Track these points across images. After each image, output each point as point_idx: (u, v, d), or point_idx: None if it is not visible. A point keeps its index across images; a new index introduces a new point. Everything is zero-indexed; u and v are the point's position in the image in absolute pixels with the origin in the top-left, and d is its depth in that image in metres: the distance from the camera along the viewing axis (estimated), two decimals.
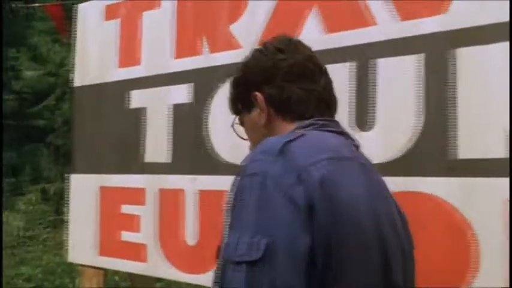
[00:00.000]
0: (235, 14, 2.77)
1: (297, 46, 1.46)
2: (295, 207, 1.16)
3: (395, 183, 1.73)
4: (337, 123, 1.44)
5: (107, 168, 3.30)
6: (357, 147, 1.41)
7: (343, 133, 1.41)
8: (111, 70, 3.38)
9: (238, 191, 1.22)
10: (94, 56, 3.50)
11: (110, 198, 3.27)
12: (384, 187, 1.37)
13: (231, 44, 2.77)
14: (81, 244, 3.42)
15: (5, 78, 11.64)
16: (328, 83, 1.46)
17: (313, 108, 1.41)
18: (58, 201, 8.72)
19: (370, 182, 1.30)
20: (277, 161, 1.20)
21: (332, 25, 2.43)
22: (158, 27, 3.14)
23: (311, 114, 1.40)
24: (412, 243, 1.40)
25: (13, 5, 11.60)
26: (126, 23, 3.33)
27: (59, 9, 7.23)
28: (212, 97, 2.84)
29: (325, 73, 1.47)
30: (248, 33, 2.70)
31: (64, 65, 10.70)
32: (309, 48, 1.48)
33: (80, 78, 3.54)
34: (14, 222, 6.94)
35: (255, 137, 1.47)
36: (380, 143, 2.22)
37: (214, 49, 2.85)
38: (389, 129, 2.22)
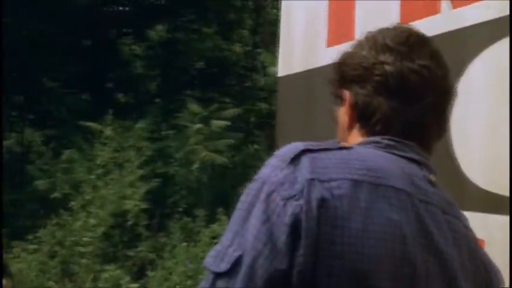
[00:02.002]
0: None
1: (414, 47, 1.22)
2: (281, 224, 1.03)
3: None
4: (414, 148, 1.19)
5: None
6: (431, 182, 1.16)
7: (417, 161, 1.18)
8: (318, 52, 2.64)
9: (242, 194, 1.11)
10: (299, 38, 2.80)
11: None
12: (458, 244, 1.13)
13: None
14: None
15: (254, 77, 11.76)
16: (440, 102, 1.22)
17: (399, 132, 1.19)
18: None
19: (423, 228, 1.09)
20: (285, 169, 1.08)
21: None
22: None
23: (393, 137, 1.19)
24: None
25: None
26: None
27: None
28: (458, 80, 1.92)
29: (441, 89, 1.22)
30: None
31: None
32: (431, 53, 1.22)
33: (285, 66, 2.93)
34: None
35: (339, 137, 1.28)
36: None
37: (459, 2, 2.05)
38: None
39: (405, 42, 1.21)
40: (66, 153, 8.23)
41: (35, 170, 8.44)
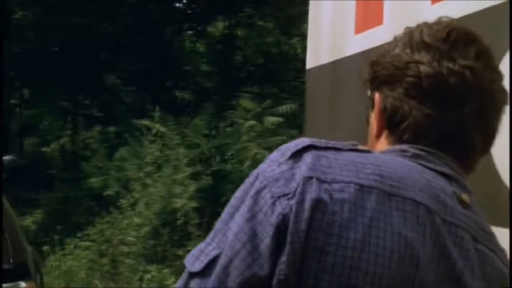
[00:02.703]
0: None
1: (456, 44, 1.05)
2: (266, 224, 0.93)
3: None
4: (447, 161, 1.03)
5: None
6: (463, 202, 1.00)
7: (447, 176, 1.02)
8: (346, 40, 2.41)
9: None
10: (326, 27, 2.60)
11: None
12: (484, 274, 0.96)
13: None
14: None
15: None
16: (485, 111, 1.05)
17: (431, 143, 1.04)
18: None
19: (443, 253, 0.93)
20: (283, 164, 0.97)
21: None
22: None
23: (423, 147, 1.05)
24: None
25: None
26: None
27: None
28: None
29: (487, 96, 1.05)
30: None
31: None
32: (477, 52, 1.05)
33: (313, 57, 2.74)
34: None
35: (369, 145, 1.12)
36: None
37: None
38: None
39: (446, 39, 1.06)
40: (120, 151, 8.27)
41: (91, 167, 8.52)
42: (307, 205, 0.92)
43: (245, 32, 12.38)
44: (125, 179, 7.42)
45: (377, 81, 1.12)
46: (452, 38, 1.06)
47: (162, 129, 7.64)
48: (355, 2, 2.40)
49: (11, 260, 3.19)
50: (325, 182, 0.94)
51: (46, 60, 10.84)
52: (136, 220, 6.39)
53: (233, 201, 0.99)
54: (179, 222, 6.68)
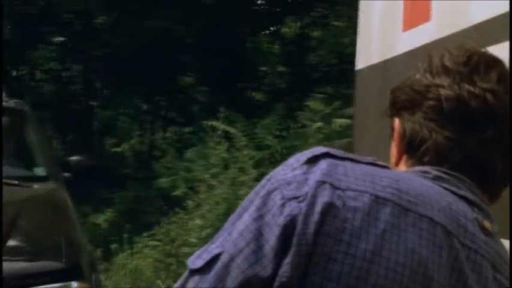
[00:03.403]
0: None
1: (477, 68, 1.04)
2: (273, 225, 0.91)
3: None
4: (471, 186, 1.00)
5: None
6: (485, 229, 0.97)
7: (470, 201, 0.99)
8: (395, 37, 2.32)
9: None
10: (376, 27, 2.51)
11: None
12: None
13: None
14: None
15: None
16: (506, 135, 1.01)
17: (451, 167, 1.01)
18: None
19: (459, 278, 0.90)
20: (297, 169, 0.97)
21: None
22: None
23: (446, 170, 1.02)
24: None
25: None
26: None
27: None
28: None
29: (507, 119, 1.01)
30: None
31: None
32: (499, 75, 1.03)
33: (363, 58, 2.65)
34: None
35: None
36: None
37: None
38: None
39: (466, 63, 1.05)
40: (189, 152, 8.34)
41: (161, 167, 8.65)
42: (318, 208, 0.91)
43: (320, 32, 12.27)
44: (192, 180, 7.48)
45: (397, 107, 1.10)
46: (473, 62, 1.05)
47: (230, 130, 7.64)
48: (403, 1, 2.28)
49: (64, 260, 3.21)
50: (339, 188, 0.92)
51: (125, 63, 11.12)
52: (199, 222, 6.41)
53: (244, 202, 0.98)
54: None
